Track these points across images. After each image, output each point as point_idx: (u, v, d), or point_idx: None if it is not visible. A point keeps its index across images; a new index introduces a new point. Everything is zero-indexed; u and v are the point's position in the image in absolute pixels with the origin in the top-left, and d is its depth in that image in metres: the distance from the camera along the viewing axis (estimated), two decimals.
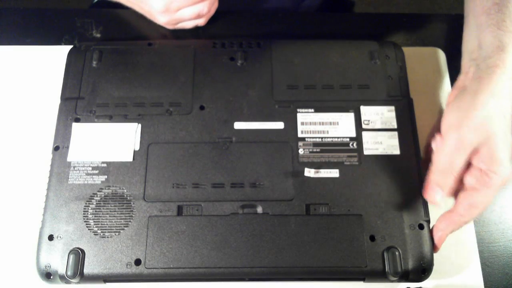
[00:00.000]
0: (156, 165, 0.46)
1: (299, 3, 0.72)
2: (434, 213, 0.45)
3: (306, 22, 0.59)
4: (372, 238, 0.43)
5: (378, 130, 0.48)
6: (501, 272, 0.46)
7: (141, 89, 0.49)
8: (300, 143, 0.47)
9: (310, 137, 0.47)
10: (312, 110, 0.48)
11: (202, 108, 0.49)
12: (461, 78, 0.45)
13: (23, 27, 0.57)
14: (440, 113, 0.44)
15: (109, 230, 0.43)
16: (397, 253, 0.42)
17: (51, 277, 0.42)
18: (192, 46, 0.52)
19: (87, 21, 0.58)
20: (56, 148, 0.47)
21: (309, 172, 0.45)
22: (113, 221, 0.44)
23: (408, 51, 0.53)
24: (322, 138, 0.47)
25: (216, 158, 0.46)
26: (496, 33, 0.43)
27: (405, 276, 0.42)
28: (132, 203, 0.44)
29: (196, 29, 0.56)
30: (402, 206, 0.44)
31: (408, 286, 0.44)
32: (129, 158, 0.46)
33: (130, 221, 0.44)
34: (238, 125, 0.48)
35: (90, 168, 0.46)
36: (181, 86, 0.50)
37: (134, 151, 0.47)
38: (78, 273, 0.42)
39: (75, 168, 0.46)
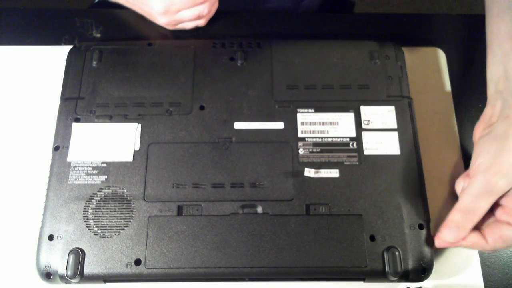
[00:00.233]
0: (156, 165, 0.46)
1: (299, 3, 0.72)
2: (434, 213, 0.45)
3: (306, 22, 0.59)
4: (372, 238, 0.43)
5: (378, 130, 0.48)
6: (501, 272, 0.46)
7: (141, 89, 0.49)
8: (300, 143, 0.47)
9: (310, 137, 0.47)
10: (312, 110, 0.48)
11: (202, 108, 0.49)
12: (488, 112, 0.44)
13: (23, 27, 0.57)
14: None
15: (109, 230, 0.43)
16: (397, 253, 0.42)
17: (51, 277, 0.42)
18: (192, 46, 0.52)
19: (87, 21, 0.58)
20: (56, 148, 0.47)
21: (309, 172, 0.45)
22: (113, 221, 0.44)
23: (408, 51, 0.53)
24: (322, 138, 0.47)
25: (216, 158, 0.46)
26: None
27: (405, 276, 0.42)
28: (132, 203, 0.44)
29: (196, 29, 0.56)
30: (402, 206, 0.44)
31: (408, 286, 0.44)
32: (129, 158, 0.46)
33: (130, 221, 0.44)
34: (238, 125, 0.48)
35: (90, 168, 0.46)
36: (181, 86, 0.50)
37: (134, 151, 0.47)
38: (78, 273, 0.42)
39: (75, 168, 0.46)
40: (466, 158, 0.50)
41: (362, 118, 0.48)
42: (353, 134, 0.47)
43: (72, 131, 0.47)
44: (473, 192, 0.40)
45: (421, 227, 0.43)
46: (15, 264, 0.46)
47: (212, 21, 0.56)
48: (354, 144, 0.47)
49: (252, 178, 0.45)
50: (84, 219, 0.44)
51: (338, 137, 0.47)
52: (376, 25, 0.59)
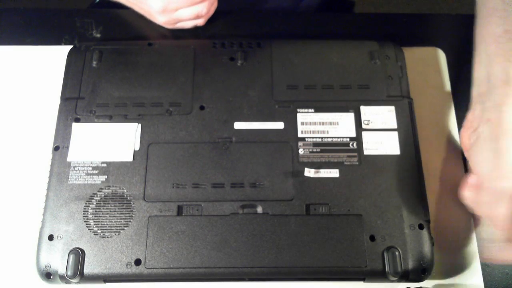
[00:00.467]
0: (156, 165, 0.46)
1: (298, 3, 0.72)
2: (434, 213, 0.45)
3: (306, 22, 0.59)
4: (372, 238, 0.43)
5: (378, 130, 0.48)
6: (501, 272, 0.46)
7: (141, 89, 0.49)
8: (300, 143, 0.47)
9: (310, 137, 0.47)
10: (312, 110, 0.48)
11: (202, 108, 0.49)
12: (469, 117, 0.44)
13: (23, 27, 0.57)
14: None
15: (109, 230, 0.43)
16: (397, 253, 0.42)
17: (51, 277, 0.42)
18: (192, 46, 0.52)
19: (87, 21, 0.58)
20: (56, 148, 0.47)
21: (309, 172, 0.45)
22: (113, 221, 0.44)
23: (408, 51, 0.53)
24: (322, 138, 0.47)
25: (216, 158, 0.46)
26: (504, 65, 0.40)
27: (405, 276, 0.42)
28: (132, 203, 0.44)
29: (196, 29, 0.56)
30: (402, 206, 0.44)
31: (408, 286, 0.44)
32: (129, 158, 0.46)
33: (130, 221, 0.44)
34: (238, 125, 0.48)
35: (90, 168, 0.46)
36: (181, 86, 0.50)
37: (134, 151, 0.47)
38: (78, 273, 0.42)
39: (75, 168, 0.46)
40: (466, 158, 0.50)
41: (362, 118, 0.48)
42: (353, 134, 0.47)
43: (72, 131, 0.47)
44: (487, 202, 0.40)
45: (421, 227, 0.43)
46: (15, 264, 0.46)
47: (212, 21, 0.56)
48: (354, 144, 0.47)
49: (252, 178, 0.45)
50: (84, 219, 0.44)
51: (338, 137, 0.47)
52: (376, 25, 0.59)
